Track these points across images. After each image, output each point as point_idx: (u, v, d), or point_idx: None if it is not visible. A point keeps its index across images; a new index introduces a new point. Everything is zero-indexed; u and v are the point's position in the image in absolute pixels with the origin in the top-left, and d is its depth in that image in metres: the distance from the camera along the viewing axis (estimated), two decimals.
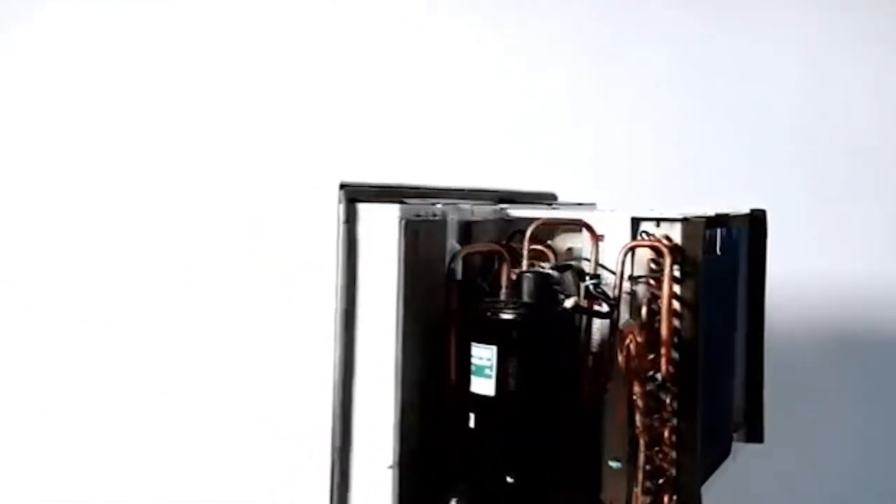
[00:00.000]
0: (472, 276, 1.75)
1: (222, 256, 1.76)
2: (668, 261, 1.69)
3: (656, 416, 1.69)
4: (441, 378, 1.68)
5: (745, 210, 2.19)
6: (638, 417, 1.67)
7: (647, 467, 1.70)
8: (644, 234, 1.72)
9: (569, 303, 1.66)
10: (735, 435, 2.17)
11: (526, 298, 1.64)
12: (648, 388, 1.69)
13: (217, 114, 1.95)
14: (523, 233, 1.74)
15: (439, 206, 1.75)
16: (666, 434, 1.70)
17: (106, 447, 1.86)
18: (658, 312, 1.69)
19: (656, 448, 1.71)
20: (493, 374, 1.62)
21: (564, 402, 1.65)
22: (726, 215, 2.02)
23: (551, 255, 1.77)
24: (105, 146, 1.93)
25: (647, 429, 1.68)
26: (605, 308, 1.69)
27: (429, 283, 1.68)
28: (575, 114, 2.72)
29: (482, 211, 1.83)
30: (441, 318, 1.69)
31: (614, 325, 1.68)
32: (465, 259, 1.70)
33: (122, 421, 1.82)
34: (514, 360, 1.62)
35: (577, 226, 1.76)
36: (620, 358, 1.64)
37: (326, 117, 2.10)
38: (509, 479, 1.62)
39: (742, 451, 2.19)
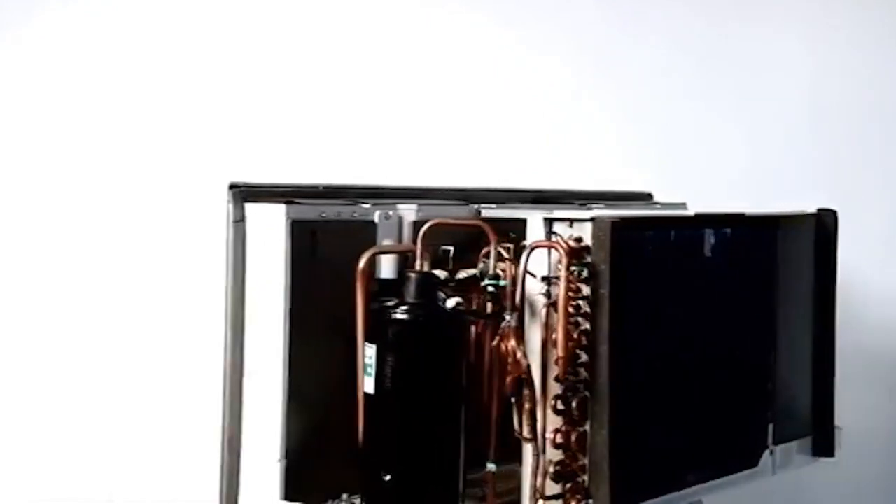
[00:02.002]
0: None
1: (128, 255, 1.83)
2: (564, 261, 1.66)
3: (566, 418, 1.67)
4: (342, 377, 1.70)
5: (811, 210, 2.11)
6: (516, 420, 1.65)
7: (551, 470, 1.67)
8: (552, 235, 1.69)
9: (450, 303, 1.65)
10: (796, 446, 2.10)
11: (410, 298, 1.64)
12: (557, 391, 1.66)
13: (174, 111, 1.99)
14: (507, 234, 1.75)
15: (367, 206, 1.77)
16: (573, 438, 1.67)
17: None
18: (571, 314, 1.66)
19: (568, 452, 1.68)
20: (374, 372, 1.64)
21: (443, 401, 1.64)
22: (728, 215, 1.95)
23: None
24: None
25: (533, 432, 1.65)
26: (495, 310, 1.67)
27: (342, 282, 1.70)
28: (672, 115, 2.66)
29: (440, 211, 1.83)
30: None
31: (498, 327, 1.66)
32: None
33: (14, 420, 1.89)
34: (390, 358, 1.63)
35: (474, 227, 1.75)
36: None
37: (326, 117, 2.14)
38: (386, 477, 1.64)
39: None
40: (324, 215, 1.71)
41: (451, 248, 1.79)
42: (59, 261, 1.84)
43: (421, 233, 1.71)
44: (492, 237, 1.70)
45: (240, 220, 1.67)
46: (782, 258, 2.09)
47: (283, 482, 1.67)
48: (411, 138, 2.28)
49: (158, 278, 1.82)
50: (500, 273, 1.70)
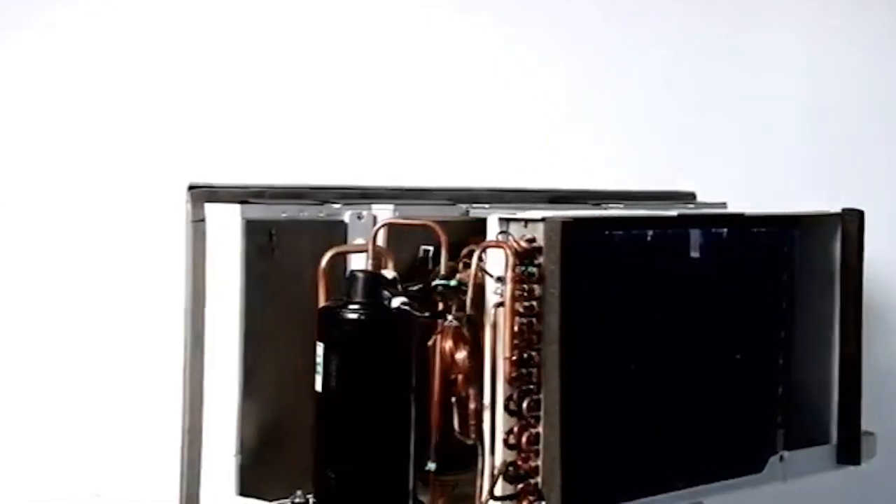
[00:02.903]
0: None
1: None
2: (510, 262, 1.65)
3: (519, 419, 1.66)
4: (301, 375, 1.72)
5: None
6: (456, 420, 1.65)
7: (504, 471, 1.67)
8: (504, 236, 1.68)
9: (395, 302, 1.66)
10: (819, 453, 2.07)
11: (356, 297, 1.66)
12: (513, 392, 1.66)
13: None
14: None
15: (337, 206, 1.79)
16: (525, 439, 1.67)
17: None
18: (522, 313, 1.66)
19: (521, 453, 1.67)
20: (321, 371, 1.66)
21: (386, 400, 1.65)
22: (708, 216, 1.93)
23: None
24: None
25: (478, 432, 1.65)
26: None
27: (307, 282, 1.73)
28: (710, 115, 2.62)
29: (419, 212, 1.84)
30: None
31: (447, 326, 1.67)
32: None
33: None
34: (334, 357, 1.65)
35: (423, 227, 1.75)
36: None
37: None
38: (331, 475, 1.66)
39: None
40: (285, 215, 1.74)
41: (431, 248, 1.79)
42: (21, 261, 1.88)
43: (372, 233, 1.72)
44: (442, 238, 1.70)
45: (198, 221, 1.71)
46: (803, 259, 2.05)
47: (239, 477, 1.70)
48: (443, 137, 2.29)
49: (122, 276, 1.87)
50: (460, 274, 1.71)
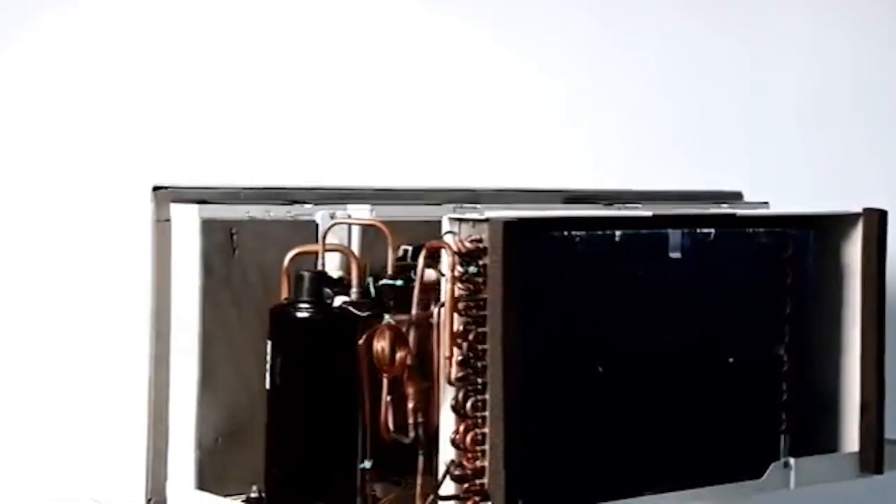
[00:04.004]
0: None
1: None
2: (448, 261, 1.65)
3: (464, 419, 1.66)
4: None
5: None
6: (391, 418, 1.66)
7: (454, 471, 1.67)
8: (448, 236, 1.68)
9: (336, 302, 1.68)
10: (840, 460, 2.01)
11: (301, 296, 1.68)
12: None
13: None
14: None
15: (308, 206, 1.82)
16: (468, 440, 1.66)
17: None
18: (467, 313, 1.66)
19: (467, 454, 1.67)
20: (269, 368, 1.69)
21: (323, 398, 1.67)
22: (680, 216, 1.89)
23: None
24: None
25: (415, 431, 1.67)
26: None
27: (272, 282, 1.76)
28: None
29: (396, 212, 1.85)
30: None
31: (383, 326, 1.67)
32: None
33: None
34: (279, 355, 1.68)
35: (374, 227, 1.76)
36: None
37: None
38: (275, 471, 1.69)
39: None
40: (249, 215, 1.77)
41: (410, 248, 1.80)
42: None
43: (322, 232, 1.74)
44: (388, 237, 1.72)
45: (162, 221, 1.76)
46: (821, 260, 1.99)
47: (198, 472, 1.75)
48: (457, 139, 2.29)
49: (88, 276, 1.92)
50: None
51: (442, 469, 1.67)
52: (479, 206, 1.93)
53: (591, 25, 2.43)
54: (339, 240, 1.79)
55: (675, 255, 1.83)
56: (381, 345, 1.64)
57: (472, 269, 1.65)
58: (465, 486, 1.67)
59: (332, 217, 1.81)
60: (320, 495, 1.67)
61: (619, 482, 1.78)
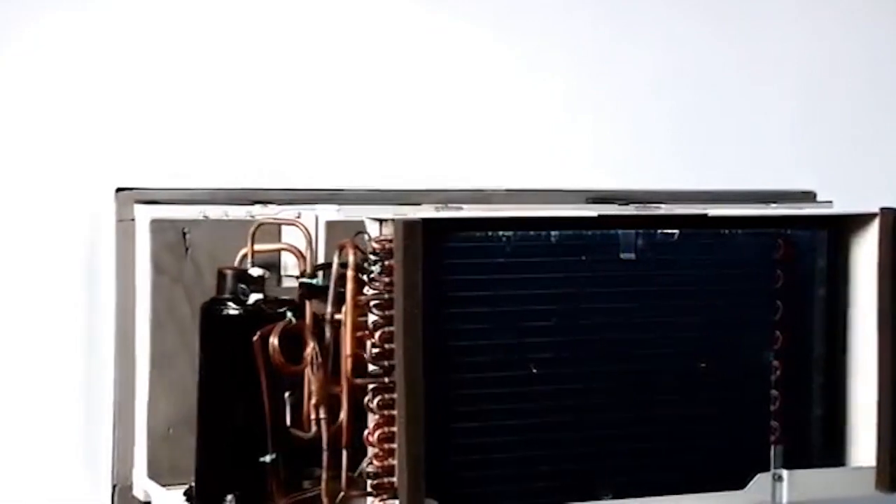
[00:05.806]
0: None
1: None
2: (350, 260, 1.68)
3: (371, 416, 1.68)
4: None
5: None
6: (288, 415, 1.69)
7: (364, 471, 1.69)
8: (359, 236, 1.70)
9: (251, 299, 1.72)
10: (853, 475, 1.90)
11: (226, 294, 1.74)
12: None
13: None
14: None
15: (270, 207, 1.88)
16: (376, 437, 1.68)
17: None
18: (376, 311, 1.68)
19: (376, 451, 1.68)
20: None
21: (233, 393, 1.72)
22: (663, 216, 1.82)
23: None
24: None
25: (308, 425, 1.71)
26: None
27: None
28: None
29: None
30: None
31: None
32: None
33: None
34: (200, 350, 1.75)
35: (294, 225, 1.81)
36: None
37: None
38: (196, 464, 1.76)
39: None
40: (204, 216, 1.84)
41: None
42: None
43: (251, 232, 1.78)
44: (304, 236, 1.75)
45: (123, 221, 1.85)
46: (832, 261, 1.89)
47: (148, 462, 1.83)
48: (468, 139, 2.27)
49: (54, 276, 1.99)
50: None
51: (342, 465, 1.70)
52: (464, 206, 1.93)
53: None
54: (306, 240, 1.82)
55: (629, 255, 1.77)
56: (273, 341, 1.67)
57: (374, 268, 1.66)
58: (376, 482, 1.68)
59: (299, 217, 1.85)
60: (232, 488, 1.72)
61: (556, 487, 1.75)
